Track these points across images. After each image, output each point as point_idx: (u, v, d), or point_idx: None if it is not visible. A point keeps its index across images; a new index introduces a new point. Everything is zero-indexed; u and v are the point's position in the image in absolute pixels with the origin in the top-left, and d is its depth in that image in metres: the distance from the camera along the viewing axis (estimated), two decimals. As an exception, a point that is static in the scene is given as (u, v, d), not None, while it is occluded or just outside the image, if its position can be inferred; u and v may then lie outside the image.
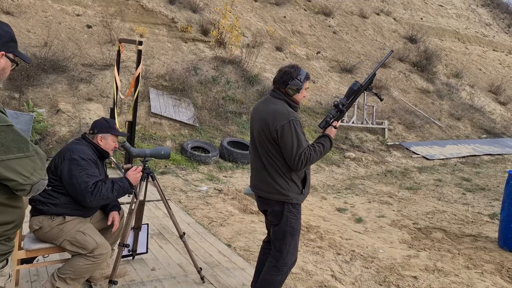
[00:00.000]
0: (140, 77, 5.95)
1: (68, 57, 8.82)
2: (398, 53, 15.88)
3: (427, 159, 10.37)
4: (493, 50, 21.96)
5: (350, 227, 5.49)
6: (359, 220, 5.81)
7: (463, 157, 11.11)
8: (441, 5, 22.31)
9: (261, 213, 3.10)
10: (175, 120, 8.75)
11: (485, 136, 13.58)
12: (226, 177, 7.38)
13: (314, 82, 12.08)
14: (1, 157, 1.43)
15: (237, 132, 9.15)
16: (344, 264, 4.22)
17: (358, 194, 7.15)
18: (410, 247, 4.91)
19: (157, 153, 3.31)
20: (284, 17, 14.79)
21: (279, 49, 12.94)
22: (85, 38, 9.96)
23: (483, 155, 11.63)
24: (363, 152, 9.81)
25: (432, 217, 6.18)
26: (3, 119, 1.47)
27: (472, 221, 6.12)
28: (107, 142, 3.06)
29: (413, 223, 5.84)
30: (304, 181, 2.81)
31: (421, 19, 19.87)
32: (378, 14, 18.17)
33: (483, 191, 8.12)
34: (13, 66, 1.63)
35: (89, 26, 10.31)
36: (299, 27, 14.76)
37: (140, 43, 5.90)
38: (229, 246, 4.40)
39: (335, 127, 2.93)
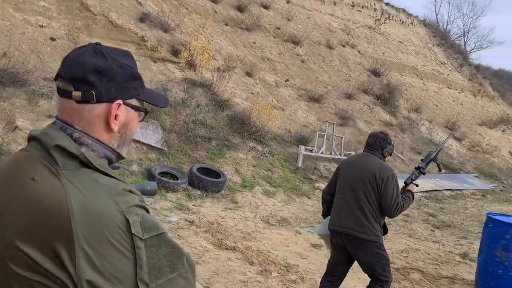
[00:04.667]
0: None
1: (29, 70, 8.23)
2: (362, 85, 16.24)
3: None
4: (448, 87, 23.06)
5: (328, 266, 5.28)
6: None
7: (427, 191, 11.33)
8: (401, 42, 23.25)
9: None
10: (142, 143, 8.33)
11: (444, 171, 14.00)
12: (195, 206, 7.02)
13: (283, 110, 12.03)
14: (151, 285, 0.90)
15: (206, 158, 8.83)
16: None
17: (332, 229, 6.99)
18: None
19: (143, 189, 2.99)
20: (254, 43, 14.79)
21: (249, 74, 12.84)
22: (48, 51, 9.40)
23: (444, 190, 11.94)
24: (332, 184, 9.75)
25: (407, 256, 6.11)
26: (153, 224, 0.94)
27: (446, 261, 6.10)
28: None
29: (391, 263, 5.72)
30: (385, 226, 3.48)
31: (383, 53, 20.57)
32: (343, 46, 18.61)
33: (449, 228, 8.22)
34: (141, 117, 1.11)
35: (53, 39, 9.75)
36: (269, 54, 14.79)
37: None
38: (207, 289, 4.07)
39: (416, 185, 3.63)
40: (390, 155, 3.51)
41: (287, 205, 7.98)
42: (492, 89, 27.33)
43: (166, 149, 8.48)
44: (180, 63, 11.11)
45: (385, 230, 3.47)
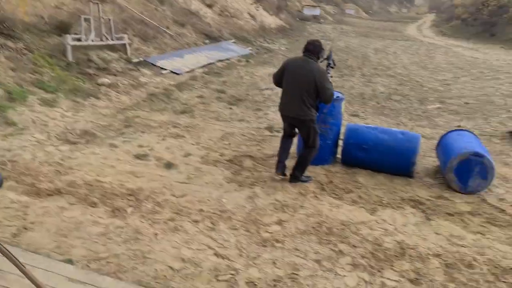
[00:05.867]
0: None
1: None
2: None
3: (176, 73, 10.10)
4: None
5: (168, 178, 4.83)
6: (169, 166, 5.18)
7: (203, 66, 11.40)
8: None
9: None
10: None
11: (208, 41, 14.23)
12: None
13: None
14: None
15: None
16: (213, 233, 3.70)
17: (144, 131, 6.33)
18: (240, 185, 4.76)
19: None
20: None
21: None
22: None
23: (217, 61, 12.26)
24: (115, 76, 8.63)
25: (229, 143, 6.14)
26: None
27: (262, 139, 6.42)
28: None
29: (220, 155, 5.66)
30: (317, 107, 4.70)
31: None
32: None
33: (242, 102, 8.61)
34: None
35: None
36: None
37: None
38: (69, 262, 3.12)
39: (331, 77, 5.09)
40: (319, 58, 4.65)
41: (78, 114, 6.70)
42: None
43: None
44: None
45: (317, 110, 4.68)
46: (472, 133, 5.56)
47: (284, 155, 4.97)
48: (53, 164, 4.84)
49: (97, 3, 9.11)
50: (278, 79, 4.80)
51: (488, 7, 38.89)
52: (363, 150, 5.25)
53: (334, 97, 5.15)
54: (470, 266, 3.39)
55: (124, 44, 9.85)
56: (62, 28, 8.85)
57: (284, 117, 4.83)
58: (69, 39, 8.26)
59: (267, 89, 9.79)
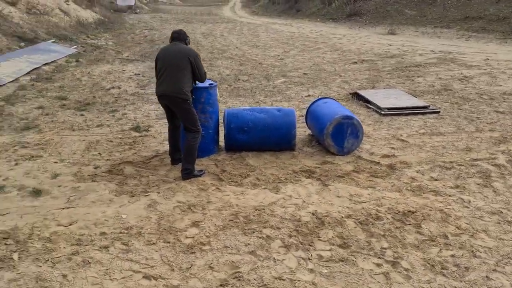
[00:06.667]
0: None
1: None
2: None
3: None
4: None
5: (44, 207, 4.10)
6: (38, 193, 4.40)
7: (28, 73, 9.92)
8: None
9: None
10: None
11: (23, 44, 12.41)
12: None
13: None
14: None
15: None
16: (131, 254, 3.27)
17: (-13, 160, 5.23)
18: (132, 196, 4.33)
19: None
20: None
21: None
22: None
23: (43, 65, 10.80)
24: None
25: (99, 153, 5.51)
26: None
27: (131, 142, 5.94)
28: None
29: (95, 168, 5.05)
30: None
31: None
32: None
33: (92, 106, 7.80)
34: None
35: None
36: None
37: None
38: None
39: None
40: (187, 45, 4.82)
41: None
42: None
43: None
44: None
45: (192, 93, 4.74)
46: (334, 99, 6.09)
47: (175, 147, 5.08)
48: None
49: None
50: (156, 72, 4.81)
51: (288, -14, 42.87)
52: (245, 132, 5.28)
53: (208, 84, 5.07)
54: (378, 218, 3.73)
55: None
56: None
57: (161, 98, 4.73)
58: None
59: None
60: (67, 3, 21.88)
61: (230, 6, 53.56)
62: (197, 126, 4.69)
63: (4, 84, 8.66)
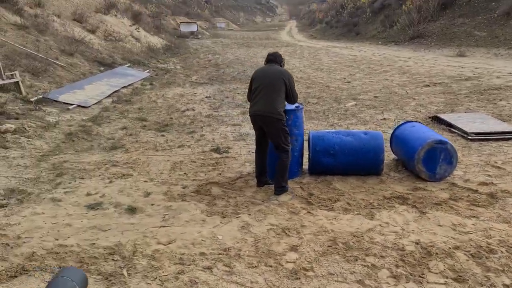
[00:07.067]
0: None
1: None
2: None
3: (84, 107, 9.11)
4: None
5: (141, 224, 4.21)
6: (133, 210, 4.54)
7: (109, 95, 10.48)
8: None
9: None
10: None
11: (103, 68, 13.18)
12: None
13: None
14: None
15: None
16: (235, 277, 3.26)
17: (83, 177, 5.50)
18: (224, 217, 4.35)
19: None
20: None
21: None
22: None
23: (121, 88, 11.39)
24: (17, 119, 7.43)
25: (184, 173, 5.64)
26: None
27: (215, 163, 6.03)
28: None
29: (183, 188, 5.15)
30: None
31: None
32: None
33: (170, 127, 8.06)
34: None
35: None
36: None
37: None
38: None
39: None
40: (283, 66, 5.00)
41: (-10, 170, 5.59)
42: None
43: None
44: None
45: (285, 114, 4.79)
46: (421, 123, 5.87)
47: (262, 170, 5.05)
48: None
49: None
50: (249, 93, 4.98)
51: (346, 10, 42.88)
52: (331, 155, 5.20)
53: (294, 106, 5.08)
54: (491, 251, 3.48)
55: (17, 82, 8.58)
56: None
57: (254, 118, 4.80)
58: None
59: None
60: (138, 30, 23.13)
61: (286, 31, 54.31)
62: (289, 144, 4.81)
63: (89, 106, 9.18)
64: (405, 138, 5.41)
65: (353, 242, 3.70)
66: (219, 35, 45.29)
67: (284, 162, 4.78)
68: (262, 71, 4.89)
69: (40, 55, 10.93)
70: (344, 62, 18.07)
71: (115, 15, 22.83)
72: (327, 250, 3.60)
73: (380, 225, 4.03)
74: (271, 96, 4.65)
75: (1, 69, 8.21)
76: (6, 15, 12.19)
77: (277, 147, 4.78)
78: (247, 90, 5.13)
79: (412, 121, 5.93)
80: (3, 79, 8.19)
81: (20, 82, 8.62)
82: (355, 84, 12.54)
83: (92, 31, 16.25)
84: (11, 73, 8.53)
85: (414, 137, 5.21)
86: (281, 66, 4.94)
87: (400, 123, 5.97)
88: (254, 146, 5.16)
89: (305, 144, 5.54)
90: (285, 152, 4.77)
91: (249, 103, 4.97)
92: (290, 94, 4.75)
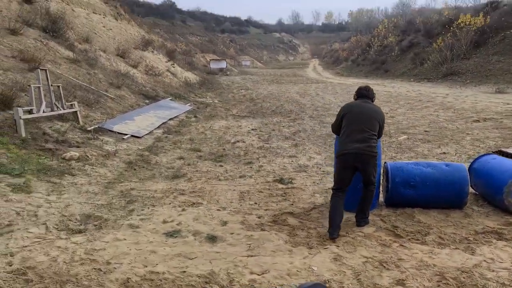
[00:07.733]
0: None
1: None
2: (20, 16, 12.78)
3: (138, 137, 9.19)
4: (93, 12, 21.53)
5: (227, 253, 4.07)
6: (213, 239, 4.42)
7: (159, 126, 10.60)
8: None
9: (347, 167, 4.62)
10: None
11: (148, 101, 13.43)
12: None
13: None
14: None
15: None
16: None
17: (154, 204, 5.44)
18: (310, 247, 4.18)
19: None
20: None
21: None
22: None
23: (169, 120, 11.51)
24: (78, 147, 7.51)
25: (255, 203, 5.52)
26: None
27: (284, 193, 5.90)
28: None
29: (258, 217, 5.02)
30: None
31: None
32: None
33: (225, 158, 8.02)
34: None
35: None
36: None
37: None
38: None
39: None
40: (374, 101, 4.94)
41: (62, 196, 5.56)
42: (124, 11, 27.51)
43: None
44: None
45: None
46: (500, 156, 5.67)
47: (339, 217, 4.51)
48: (85, 261, 3.81)
49: (45, 70, 8.05)
50: (338, 128, 4.87)
51: (373, 48, 43.28)
52: (411, 187, 5.02)
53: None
54: None
55: (75, 112, 8.75)
56: (5, 102, 7.59)
57: (351, 156, 4.55)
58: (20, 112, 7.05)
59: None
60: (173, 66, 23.72)
61: (311, 68, 55.03)
62: (376, 180, 4.76)
63: (142, 136, 9.26)
64: (489, 171, 5.20)
65: (464, 278, 3.47)
66: (246, 72, 46.14)
67: (372, 193, 4.72)
68: (357, 107, 4.76)
69: (92, 87, 11.21)
70: (381, 98, 17.99)
71: (152, 52, 23.54)
72: (438, 286, 3.38)
73: (485, 261, 3.79)
74: (368, 133, 4.56)
75: (63, 98, 8.39)
76: (59, 49, 12.65)
77: (368, 181, 4.67)
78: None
79: (491, 154, 5.73)
80: (64, 109, 8.36)
81: (78, 112, 8.79)
82: (399, 118, 12.41)
83: (134, 66, 16.71)
84: (70, 103, 8.72)
85: (501, 170, 5.00)
86: (372, 101, 4.88)
87: (477, 156, 5.77)
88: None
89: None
90: (373, 184, 4.69)
91: (335, 135, 5.01)
92: (380, 132, 4.75)
